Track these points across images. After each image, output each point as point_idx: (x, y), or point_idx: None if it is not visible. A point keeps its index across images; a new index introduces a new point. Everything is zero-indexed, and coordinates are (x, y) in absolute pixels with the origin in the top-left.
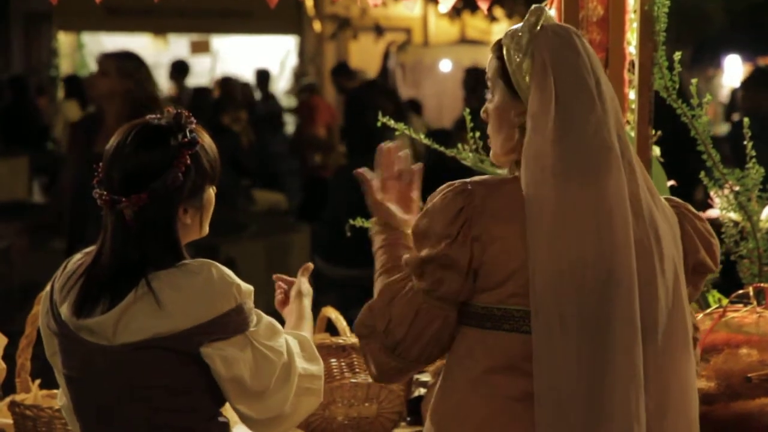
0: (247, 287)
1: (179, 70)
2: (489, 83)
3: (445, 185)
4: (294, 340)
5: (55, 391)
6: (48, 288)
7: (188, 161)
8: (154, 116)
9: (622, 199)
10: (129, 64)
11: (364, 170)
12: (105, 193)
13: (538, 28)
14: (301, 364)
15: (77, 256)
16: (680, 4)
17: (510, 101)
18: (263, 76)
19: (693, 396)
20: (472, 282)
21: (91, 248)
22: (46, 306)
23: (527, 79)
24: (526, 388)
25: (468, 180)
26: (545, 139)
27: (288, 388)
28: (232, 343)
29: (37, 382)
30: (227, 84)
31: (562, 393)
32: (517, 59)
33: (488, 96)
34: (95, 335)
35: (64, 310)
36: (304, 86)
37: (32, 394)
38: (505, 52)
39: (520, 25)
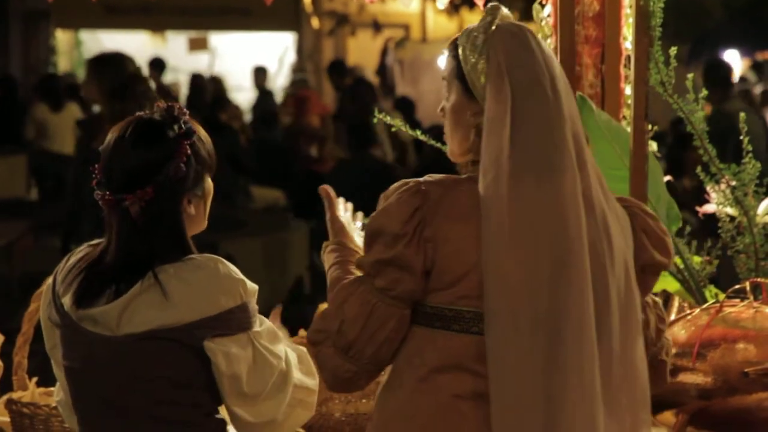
0: (252, 286)
1: (156, 66)
2: (445, 82)
3: (399, 184)
4: (293, 352)
5: (52, 388)
6: (50, 280)
7: (188, 151)
8: (145, 112)
9: (576, 198)
10: (106, 68)
11: (327, 187)
12: (107, 193)
13: (494, 27)
14: (297, 375)
15: (81, 249)
16: None
17: (466, 102)
18: (261, 74)
19: (644, 391)
20: (425, 281)
21: (96, 241)
22: (48, 298)
23: (482, 79)
24: (475, 388)
25: (422, 179)
26: (502, 140)
27: (282, 395)
28: (235, 340)
29: (35, 379)
30: (196, 81)
31: (519, 394)
32: (473, 59)
33: (444, 94)
34: (98, 325)
35: (67, 301)
36: (294, 81)
37: (29, 392)
38: (460, 51)
39: (476, 24)
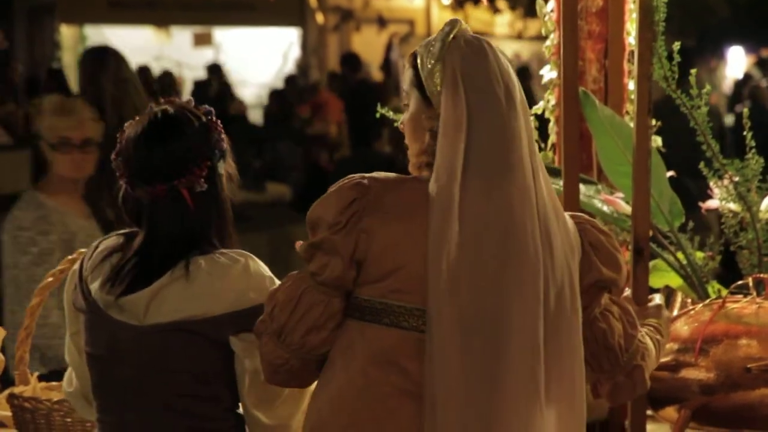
0: None
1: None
2: (404, 95)
3: (345, 177)
4: None
5: (54, 383)
6: (77, 266)
7: (221, 127)
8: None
9: (526, 205)
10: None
11: None
12: (157, 185)
13: (451, 37)
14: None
15: (110, 237)
16: None
17: (423, 107)
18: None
19: (580, 402)
20: (355, 272)
21: (127, 230)
22: (74, 283)
23: (438, 83)
24: (402, 385)
25: (368, 174)
26: (456, 144)
27: (300, 402)
28: None
29: (36, 374)
30: (143, 74)
31: (451, 394)
32: (429, 65)
33: (404, 107)
34: (125, 314)
35: (95, 288)
36: (309, 86)
37: (31, 387)
38: (419, 60)
39: (435, 35)
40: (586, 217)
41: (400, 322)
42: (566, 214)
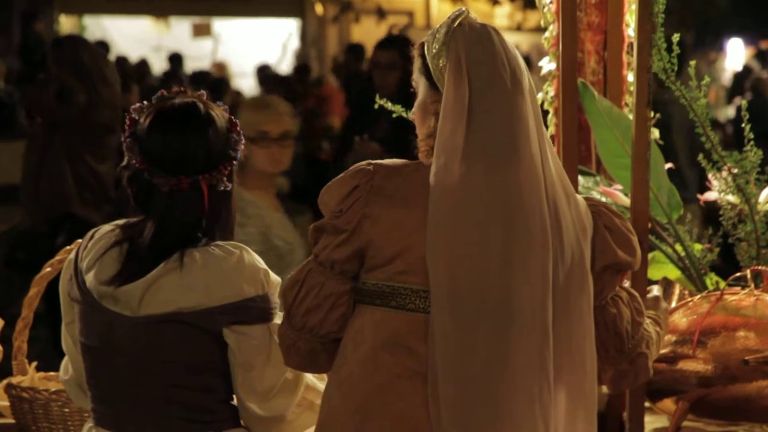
0: (276, 278)
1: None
2: (414, 84)
3: (354, 164)
4: None
5: (52, 373)
6: (72, 256)
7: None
8: (167, 97)
9: (535, 186)
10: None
11: None
12: (181, 177)
13: (457, 23)
14: (310, 377)
15: (106, 227)
16: None
17: (430, 93)
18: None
19: (591, 385)
20: (357, 258)
21: (124, 221)
22: (69, 273)
23: (442, 67)
24: (412, 366)
25: (374, 161)
26: (457, 127)
27: (294, 393)
28: (254, 329)
29: (34, 364)
30: (120, 63)
31: (453, 375)
32: (434, 50)
33: (415, 97)
34: (119, 304)
35: (90, 278)
36: (313, 81)
37: (29, 377)
38: (425, 47)
39: (441, 23)
40: (598, 200)
41: (407, 304)
42: (579, 197)
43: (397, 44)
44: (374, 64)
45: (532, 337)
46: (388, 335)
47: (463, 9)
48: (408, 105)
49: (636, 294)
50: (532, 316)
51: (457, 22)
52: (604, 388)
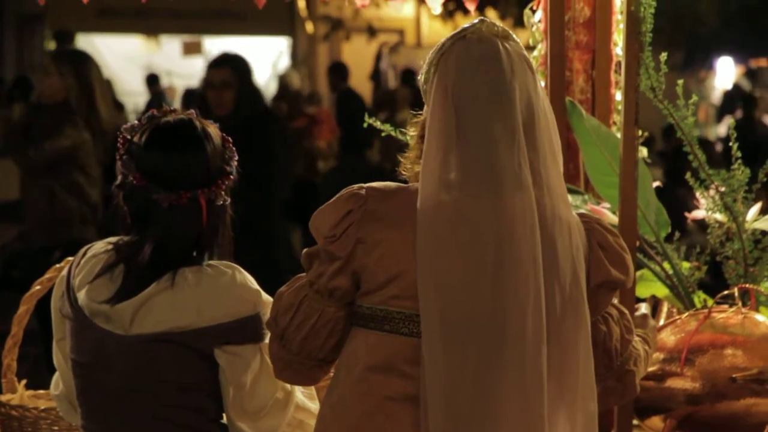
0: (267, 298)
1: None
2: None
3: (346, 188)
4: None
5: (41, 391)
6: (64, 273)
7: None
8: (158, 115)
9: (526, 212)
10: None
11: None
12: (181, 192)
13: (452, 42)
14: (300, 396)
15: (99, 245)
16: (673, 6)
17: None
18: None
19: (590, 410)
20: (352, 282)
21: (117, 238)
22: (61, 290)
23: (425, 89)
24: (404, 390)
25: (366, 185)
26: (439, 151)
27: (284, 413)
28: (245, 350)
29: (23, 382)
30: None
31: (450, 401)
32: (425, 72)
33: None
34: (111, 323)
35: (82, 295)
36: (311, 94)
37: (18, 395)
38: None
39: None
40: (593, 216)
41: (400, 328)
42: (574, 215)
43: (230, 62)
44: (208, 84)
45: (522, 361)
46: (382, 359)
47: (471, 24)
48: (243, 125)
49: (626, 311)
50: (521, 339)
51: (454, 40)
52: None
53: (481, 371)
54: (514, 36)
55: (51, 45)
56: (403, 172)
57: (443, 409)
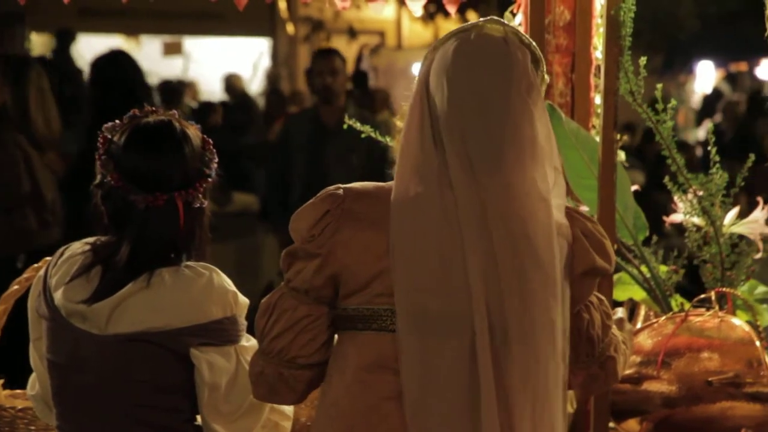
0: (244, 300)
1: None
2: None
3: (324, 189)
4: None
5: (18, 390)
6: (41, 273)
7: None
8: (140, 116)
9: (504, 201)
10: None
11: None
12: (157, 193)
13: (453, 37)
14: None
15: (76, 245)
16: (653, 10)
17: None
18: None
19: (555, 397)
20: (329, 283)
21: (94, 239)
22: (38, 290)
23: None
24: (398, 387)
25: (343, 185)
26: (415, 147)
27: (259, 414)
28: (221, 351)
29: (0, 381)
30: (167, 86)
31: (428, 392)
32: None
33: None
34: (87, 322)
35: (59, 296)
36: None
37: None
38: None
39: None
40: (569, 206)
41: (389, 325)
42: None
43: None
44: (92, 83)
45: (487, 354)
46: (373, 358)
47: (490, 19)
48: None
49: (603, 298)
50: (485, 331)
51: (453, 37)
52: (569, 408)
53: (455, 363)
54: (525, 36)
55: (31, 45)
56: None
57: (418, 403)
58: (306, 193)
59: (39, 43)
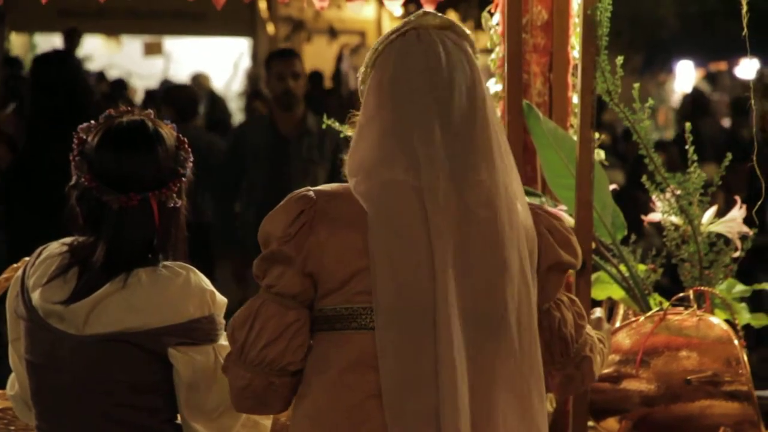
0: (222, 299)
1: None
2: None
3: (292, 192)
4: None
5: None
6: (20, 273)
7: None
8: (115, 116)
9: (471, 197)
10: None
11: None
12: (131, 194)
13: (395, 35)
14: None
15: (54, 245)
16: (633, 9)
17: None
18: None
19: (532, 391)
20: (311, 284)
21: (72, 239)
22: (17, 290)
23: (362, 88)
24: (379, 384)
25: (312, 188)
26: (366, 142)
27: (238, 413)
28: (199, 350)
29: None
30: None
31: (405, 389)
32: (363, 69)
33: None
34: (65, 323)
35: (36, 296)
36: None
37: None
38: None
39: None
40: (534, 203)
41: (368, 323)
42: (520, 203)
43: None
44: (33, 83)
45: (462, 351)
46: (355, 356)
47: (422, 13)
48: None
49: (575, 299)
50: (455, 330)
51: (397, 33)
52: (549, 407)
53: (427, 361)
54: (460, 26)
55: (10, 45)
56: (346, 173)
57: (397, 398)
58: (260, 211)
59: (19, 44)
